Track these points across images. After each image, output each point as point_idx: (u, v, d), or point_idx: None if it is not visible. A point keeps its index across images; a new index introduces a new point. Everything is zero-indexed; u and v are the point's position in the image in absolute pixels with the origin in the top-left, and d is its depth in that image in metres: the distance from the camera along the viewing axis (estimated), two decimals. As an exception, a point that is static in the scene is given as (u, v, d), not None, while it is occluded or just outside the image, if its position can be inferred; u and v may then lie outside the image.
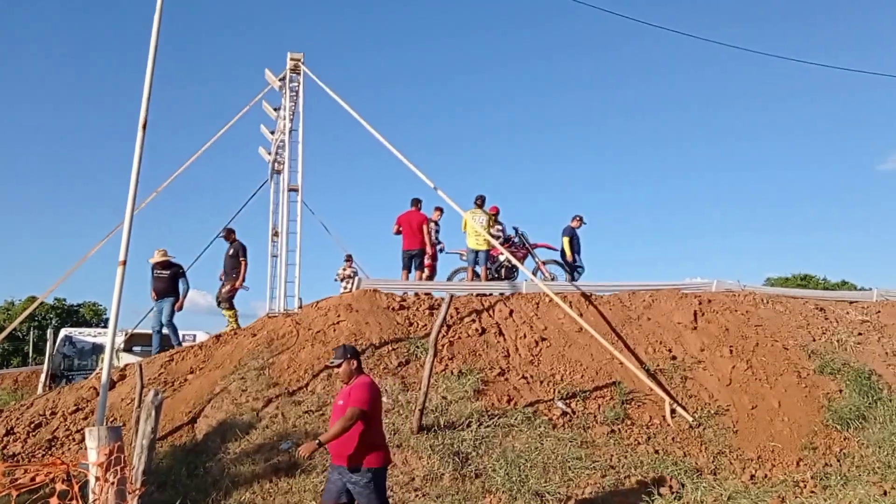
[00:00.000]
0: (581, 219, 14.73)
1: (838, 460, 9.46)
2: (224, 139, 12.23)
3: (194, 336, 16.35)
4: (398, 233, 13.33)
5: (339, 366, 5.91)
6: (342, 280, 16.06)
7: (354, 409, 5.56)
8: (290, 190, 12.17)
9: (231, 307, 12.65)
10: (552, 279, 13.87)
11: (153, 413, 2.90)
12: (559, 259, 14.32)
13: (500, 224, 14.21)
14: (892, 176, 66.56)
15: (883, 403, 10.68)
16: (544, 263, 14.21)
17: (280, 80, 12.88)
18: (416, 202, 13.56)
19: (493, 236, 13.52)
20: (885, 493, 7.98)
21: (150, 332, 12.72)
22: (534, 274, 13.54)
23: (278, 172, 14.97)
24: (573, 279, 14.17)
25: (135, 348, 16.11)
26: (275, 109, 13.94)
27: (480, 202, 13.64)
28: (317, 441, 5.57)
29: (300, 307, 11.65)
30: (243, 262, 12.53)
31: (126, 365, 11.56)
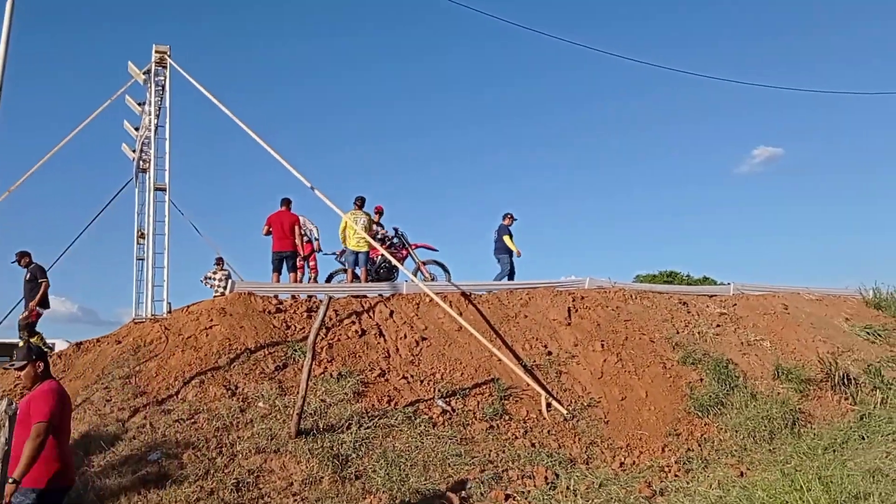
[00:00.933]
0: (512, 216, 15.29)
1: (699, 445, 10.20)
2: (86, 136, 11.66)
3: (53, 345, 15.42)
4: (268, 233, 13.11)
5: (21, 368, 5.02)
6: (209, 283, 15.54)
7: (40, 426, 4.77)
8: (156, 189, 11.71)
9: (32, 335, 11.62)
10: (432, 279, 14.09)
11: (6, 423, 2.77)
12: (438, 259, 14.57)
13: (381, 225, 14.32)
14: (746, 179, 71.94)
15: (739, 390, 11.61)
16: (424, 264, 14.40)
17: (144, 73, 12.40)
18: (287, 202, 13.37)
19: (375, 237, 13.59)
20: (741, 474, 8.69)
21: (5, 341, 11.82)
22: (414, 274, 13.68)
23: (143, 171, 14.38)
24: (511, 278, 14.78)
25: None
26: (139, 104, 13.40)
27: (360, 203, 13.65)
28: (11, 480, 4.73)
29: (169, 312, 11.26)
30: (43, 284, 11.60)
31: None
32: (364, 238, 13.10)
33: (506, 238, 15.03)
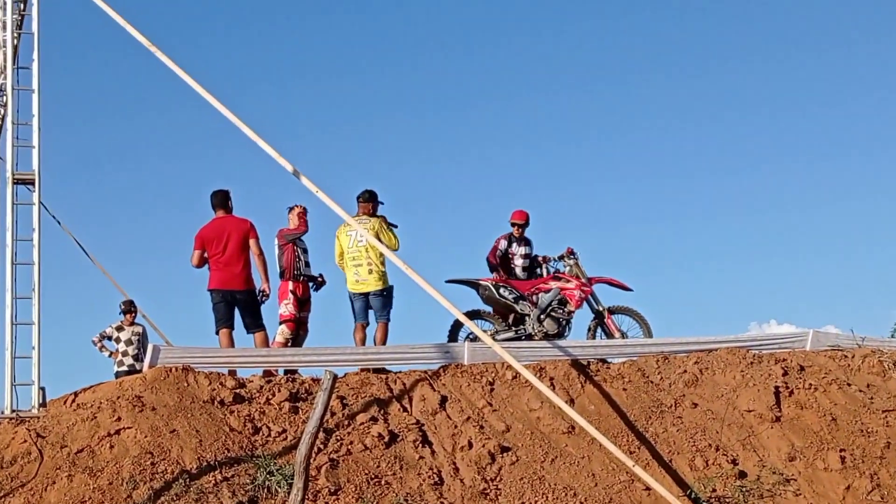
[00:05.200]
0: None
1: None
2: None
3: None
4: (202, 263, 11.99)
5: None
6: (105, 348, 15.32)
7: None
8: (16, 182, 11.29)
9: None
10: (622, 338, 13.40)
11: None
12: (631, 305, 13.86)
13: (526, 242, 14.32)
14: None
15: None
16: (611, 313, 13.70)
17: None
18: (221, 198, 12.16)
19: (533, 266, 13.89)
20: None
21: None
22: (593, 331, 13.65)
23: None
24: None
25: None
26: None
27: (367, 201, 12.85)
28: None
29: (43, 405, 10.83)
30: None
31: None
32: (377, 265, 12.46)
33: None
